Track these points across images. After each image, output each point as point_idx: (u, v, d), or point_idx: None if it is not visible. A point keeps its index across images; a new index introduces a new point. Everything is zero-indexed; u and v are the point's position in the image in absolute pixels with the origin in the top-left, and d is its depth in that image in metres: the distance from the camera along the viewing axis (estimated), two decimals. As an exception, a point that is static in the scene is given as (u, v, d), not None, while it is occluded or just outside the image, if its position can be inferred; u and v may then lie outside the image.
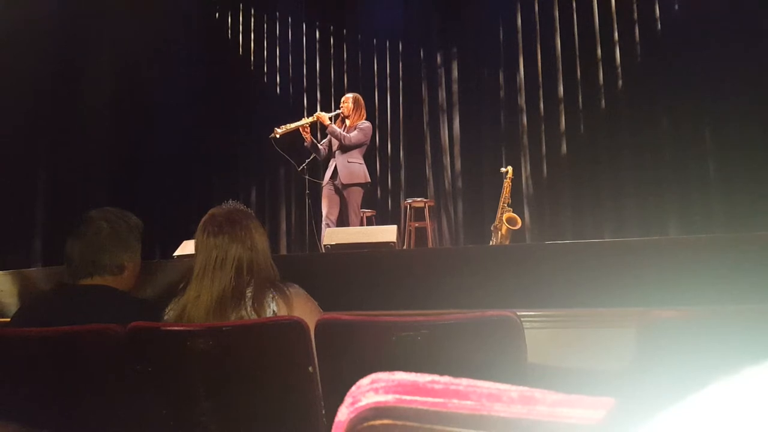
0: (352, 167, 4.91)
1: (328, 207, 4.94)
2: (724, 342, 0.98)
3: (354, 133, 4.89)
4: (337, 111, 5.11)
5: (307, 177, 5.31)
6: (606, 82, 6.42)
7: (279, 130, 4.96)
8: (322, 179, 5.11)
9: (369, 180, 5.07)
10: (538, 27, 6.82)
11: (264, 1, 7.99)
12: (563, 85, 6.64)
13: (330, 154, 5.06)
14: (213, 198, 6.66)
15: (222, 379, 1.42)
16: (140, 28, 6.36)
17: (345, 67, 7.69)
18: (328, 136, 5.06)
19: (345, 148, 4.90)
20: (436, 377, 0.47)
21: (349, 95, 5.13)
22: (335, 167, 4.93)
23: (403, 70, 7.46)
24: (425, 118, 7.25)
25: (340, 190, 4.96)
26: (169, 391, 1.46)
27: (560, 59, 6.68)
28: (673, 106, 5.97)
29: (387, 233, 4.16)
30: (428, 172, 7.16)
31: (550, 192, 6.55)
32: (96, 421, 1.50)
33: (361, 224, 5.59)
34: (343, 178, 4.87)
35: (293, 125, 4.96)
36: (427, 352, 1.31)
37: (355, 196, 4.94)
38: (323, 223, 4.92)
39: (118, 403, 1.49)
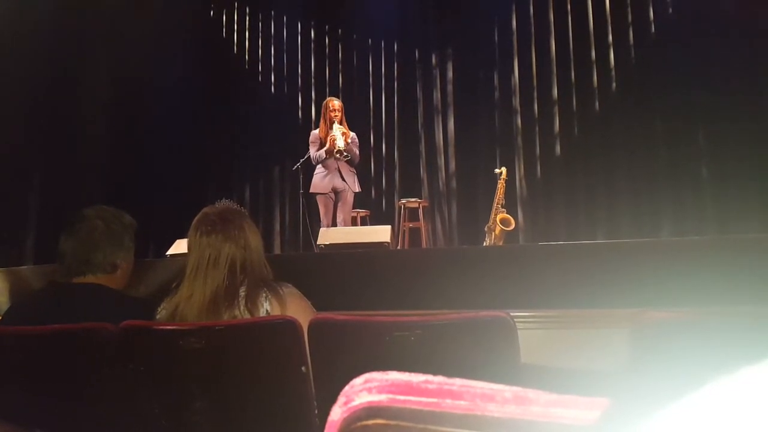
0: (355, 176, 5.14)
1: (326, 214, 5.04)
2: (717, 343, 0.98)
3: (356, 150, 5.06)
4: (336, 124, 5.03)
5: (301, 177, 5.31)
6: (600, 84, 6.44)
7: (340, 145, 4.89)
8: (310, 186, 5.15)
9: None
10: (533, 29, 6.84)
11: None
12: (557, 86, 6.66)
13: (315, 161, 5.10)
14: (206, 197, 6.64)
15: (215, 378, 1.42)
16: (135, 26, 6.33)
17: (340, 66, 7.69)
18: (316, 143, 5.04)
19: (350, 162, 5.08)
20: (429, 377, 0.47)
21: (336, 102, 5.11)
22: (339, 175, 5.01)
23: (398, 71, 7.46)
24: (420, 119, 7.26)
25: (338, 197, 5.05)
26: (161, 391, 1.46)
27: (555, 61, 6.70)
28: (666, 107, 5.99)
29: (381, 233, 4.17)
30: (423, 172, 7.17)
31: (544, 193, 6.57)
32: (88, 420, 1.49)
33: (355, 224, 5.61)
34: (353, 185, 5.08)
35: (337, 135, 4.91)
36: (420, 351, 1.31)
37: (352, 200, 5.15)
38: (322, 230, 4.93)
39: (111, 402, 1.48)
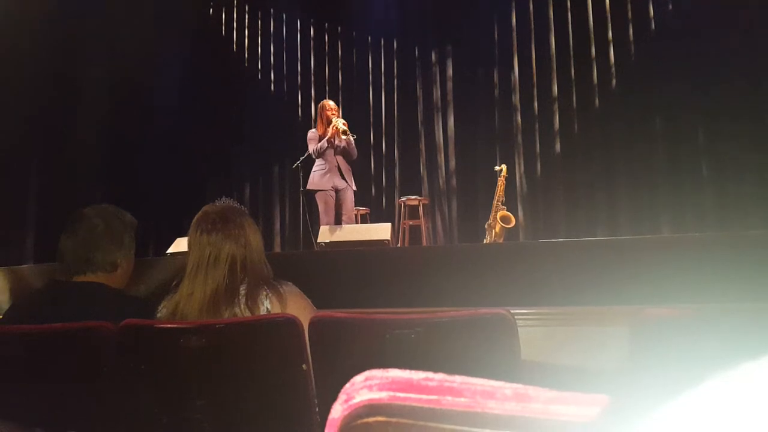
0: (352, 174, 5.15)
1: (327, 211, 5.00)
2: (716, 340, 0.98)
3: (353, 145, 5.07)
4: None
5: (301, 175, 5.30)
6: (600, 81, 6.44)
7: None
8: (307, 184, 5.13)
9: None
10: (532, 26, 6.83)
11: (258, -3, 7.98)
12: (557, 83, 6.65)
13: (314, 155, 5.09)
14: (206, 195, 6.64)
15: (215, 376, 1.42)
16: (133, 24, 6.33)
17: (340, 64, 7.68)
18: (315, 140, 5.04)
19: (347, 158, 5.08)
20: (430, 374, 0.47)
21: (332, 102, 5.17)
22: (339, 173, 5.01)
23: (397, 68, 7.46)
24: (420, 117, 7.25)
25: (339, 195, 5.05)
26: (162, 389, 1.46)
27: (554, 58, 6.69)
28: (666, 104, 5.99)
29: (381, 231, 4.18)
30: (423, 170, 7.16)
31: (544, 190, 6.57)
32: (88, 419, 1.50)
33: (356, 222, 5.61)
34: (351, 184, 5.10)
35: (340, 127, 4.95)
36: (421, 349, 1.31)
37: (353, 197, 5.15)
38: (322, 228, 4.92)
39: (111, 400, 1.48)
